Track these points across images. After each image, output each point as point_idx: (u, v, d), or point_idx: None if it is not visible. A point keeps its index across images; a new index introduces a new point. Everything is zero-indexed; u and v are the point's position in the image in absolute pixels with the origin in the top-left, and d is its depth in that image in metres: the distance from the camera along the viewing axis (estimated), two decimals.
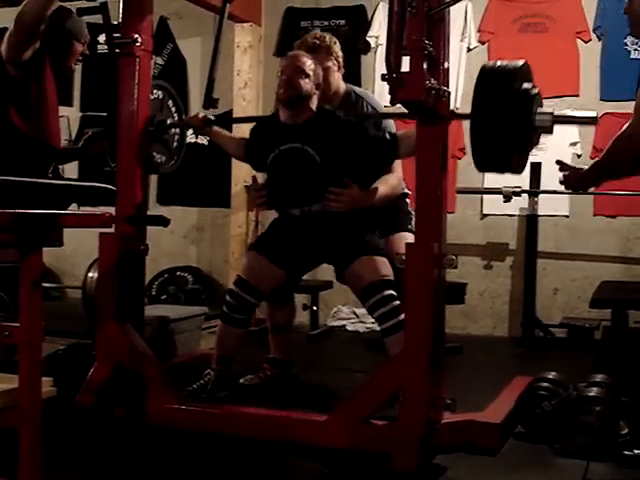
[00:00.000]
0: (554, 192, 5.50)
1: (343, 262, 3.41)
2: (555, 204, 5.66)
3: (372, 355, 4.70)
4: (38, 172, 3.45)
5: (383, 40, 5.50)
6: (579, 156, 5.70)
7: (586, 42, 5.70)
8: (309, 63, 3.44)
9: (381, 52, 5.92)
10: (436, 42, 2.79)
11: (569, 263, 5.76)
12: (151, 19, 3.61)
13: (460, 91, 5.79)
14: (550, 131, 2.93)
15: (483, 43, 5.94)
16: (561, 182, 3.16)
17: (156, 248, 5.84)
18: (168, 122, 3.72)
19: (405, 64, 2.68)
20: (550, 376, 3.30)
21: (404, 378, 2.82)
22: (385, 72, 2.66)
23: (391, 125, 3.73)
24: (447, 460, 2.91)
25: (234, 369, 3.58)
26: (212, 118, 3.69)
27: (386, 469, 2.73)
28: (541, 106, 2.91)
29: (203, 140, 6.63)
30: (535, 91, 2.86)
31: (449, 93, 2.93)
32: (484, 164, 2.92)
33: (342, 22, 6.28)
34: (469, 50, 5.93)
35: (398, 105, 2.76)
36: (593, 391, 3.06)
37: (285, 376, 3.84)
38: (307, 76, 3.41)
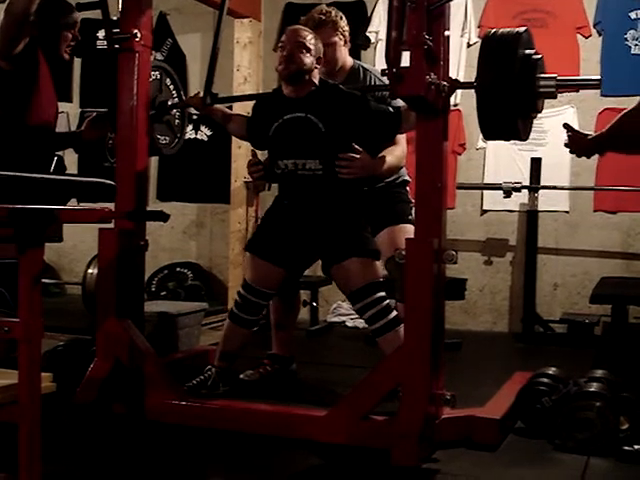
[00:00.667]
0: (554, 188, 5.51)
1: (333, 257, 3.39)
2: (555, 200, 5.66)
3: (372, 351, 4.70)
4: (40, 161, 3.44)
5: (383, 35, 5.50)
6: None
7: (586, 37, 5.69)
8: (310, 37, 3.43)
9: (381, 47, 5.91)
10: (436, 37, 2.79)
11: (569, 259, 5.76)
12: (150, 14, 3.61)
13: None
14: (554, 96, 2.94)
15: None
16: (565, 145, 3.14)
17: (156, 244, 5.87)
18: (169, 103, 3.72)
19: (405, 59, 2.68)
20: (550, 372, 3.30)
21: (404, 374, 2.82)
22: (385, 67, 2.66)
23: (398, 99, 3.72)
24: (447, 455, 2.91)
25: (234, 365, 3.58)
26: (214, 94, 3.66)
27: (386, 464, 2.73)
28: (544, 72, 2.92)
29: (203, 136, 6.64)
30: (537, 57, 2.87)
31: (449, 88, 2.93)
32: (490, 131, 2.93)
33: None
34: (469, 45, 5.92)
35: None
36: (593, 386, 3.06)
37: (285, 372, 3.83)
38: (308, 50, 3.39)
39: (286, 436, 3.01)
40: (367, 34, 6.13)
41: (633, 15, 5.51)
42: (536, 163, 5.45)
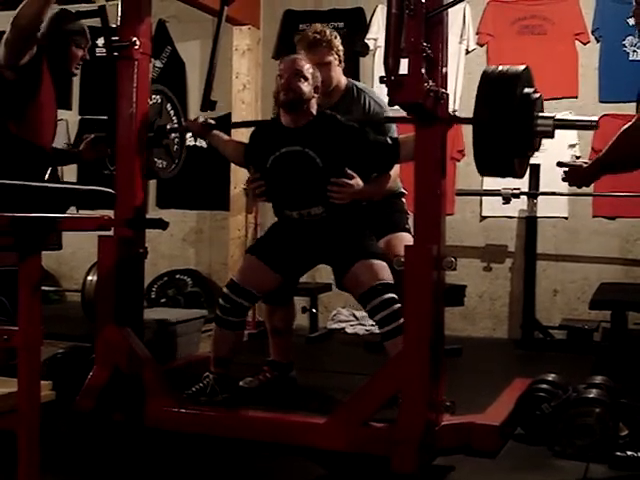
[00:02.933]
0: (553, 194, 5.50)
1: (342, 267, 3.41)
2: (554, 206, 5.66)
3: (371, 358, 4.70)
4: (32, 176, 3.45)
5: (382, 42, 5.48)
6: (578, 157, 5.68)
7: (585, 44, 5.70)
8: (307, 66, 3.44)
9: (380, 54, 5.91)
10: (434, 44, 2.79)
11: (568, 265, 5.76)
12: (150, 22, 3.61)
13: (459, 93, 5.79)
14: (551, 136, 2.95)
15: (482, 45, 5.94)
16: (563, 179, 3.16)
17: (155, 251, 5.87)
18: (168, 127, 3.72)
19: (404, 66, 2.68)
20: (549, 378, 3.30)
21: (403, 380, 2.82)
22: (384, 74, 2.66)
23: (392, 126, 3.73)
24: (447, 462, 2.91)
25: (234, 372, 3.58)
26: (212, 122, 3.68)
27: (386, 471, 2.73)
28: (542, 110, 2.92)
29: (202, 143, 6.62)
30: (536, 95, 2.87)
31: (448, 95, 2.93)
32: (486, 168, 2.94)
33: (341, 25, 6.27)
34: (468, 52, 5.93)
35: (396, 107, 2.76)
36: (593, 393, 3.06)
37: (284, 379, 3.83)
38: (306, 79, 3.40)
39: (285, 443, 3.01)
40: (366, 41, 6.14)
41: (631, 21, 5.50)
42: (535, 169, 5.45)
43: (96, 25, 3.55)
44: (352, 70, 6.16)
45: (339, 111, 3.60)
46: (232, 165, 6.24)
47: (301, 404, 3.53)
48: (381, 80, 2.69)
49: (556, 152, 5.64)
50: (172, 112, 3.81)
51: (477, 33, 5.93)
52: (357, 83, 3.94)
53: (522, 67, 2.89)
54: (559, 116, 3.00)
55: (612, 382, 3.25)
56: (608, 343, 4.94)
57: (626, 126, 2.88)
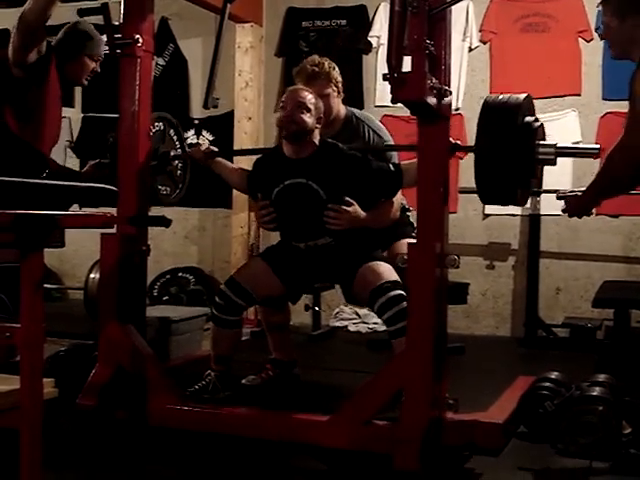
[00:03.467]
0: (556, 192, 5.49)
1: (348, 279, 3.41)
2: (557, 203, 5.59)
3: (374, 355, 4.71)
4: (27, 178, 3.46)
5: (384, 40, 5.48)
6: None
7: (588, 41, 5.69)
8: (310, 97, 3.44)
9: (383, 52, 5.91)
10: (437, 42, 2.78)
11: (571, 263, 5.76)
12: (152, 20, 3.60)
13: (462, 90, 5.77)
14: (553, 163, 2.97)
15: (485, 43, 5.93)
16: (563, 211, 3.20)
17: (158, 249, 5.86)
18: (171, 154, 3.74)
19: (406, 64, 2.67)
20: (553, 376, 3.30)
21: (406, 378, 2.81)
22: (387, 72, 2.65)
23: (394, 153, 3.77)
24: (450, 460, 2.91)
25: (236, 370, 3.58)
26: (214, 149, 3.70)
27: (389, 469, 2.72)
28: (544, 138, 2.94)
29: (204, 141, 6.63)
30: (537, 124, 2.88)
31: (451, 93, 2.93)
32: (488, 197, 2.95)
33: (343, 22, 6.28)
34: (471, 50, 5.93)
35: (399, 105, 2.75)
36: (596, 391, 3.06)
37: (287, 376, 3.83)
38: (308, 110, 3.40)
39: (288, 441, 3.01)
40: (369, 38, 6.14)
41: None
42: None
43: (99, 23, 3.54)
44: (355, 68, 6.18)
45: (340, 141, 3.62)
46: (235, 163, 6.26)
47: (304, 402, 3.53)
48: (384, 77, 2.67)
49: None
50: (175, 138, 3.83)
51: (480, 30, 5.93)
52: (356, 112, 3.97)
53: (523, 96, 2.90)
54: (560, 145, 3.02)
55: (615, 380, 3.24)
56: (611, 341, 4.93)
57: (610, 149, 2.90)
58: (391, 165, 3.49)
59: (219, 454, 3.05)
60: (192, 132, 6.67)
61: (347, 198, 3.37)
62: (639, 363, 4.19)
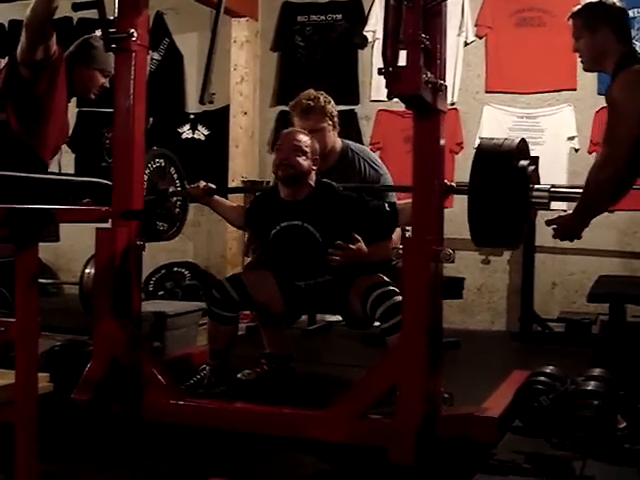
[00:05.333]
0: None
1: (346, 305, 3.46)
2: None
3: (369, 350, 4.70)
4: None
5: (380, 34, 5.49)
6: (577, 150, 5.69)
7: None
8: (305, 140, 3.47)
9: (378, 46, 5.90)
10: (433, 36, 2.78)
11: (567, 257, 5.76)
12: (147, 14, 3.60)
13: (457, 85, 5.77)
14: (547, 208, 2.98)
15: (480, 37, 5.93)
16: (554, 236, 3.22)
17: (153, 244, 5.85)
18: (170, 190, 3.76)
19: (402, 58, 2.67)
20: (548, 370, 3.30)
21: (401, 372, 2.82)
22: (382, 66, 2.65)
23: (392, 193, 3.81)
24: (445, 454, 2.91)
25: (232, 364, 3.58)
26: (212, 187, 3.72)
27: (384, 463, 2.73)
28: (538, 182, 2.95)
29: (200, 135, 6.63)
30: (532, 168, 2.90)
31: (446, 87, 2.93)
32: (481, 239, 2.96)
33: (339, 17, 6.27)
34: (466, 44, 5.92)
35: (395, 100, 2.75)
36: (591, 385, 3.06)
37: (282, 371, 3.83)
38: (304, 153, 3.43)
39: (283, 435, 3.01)
40: (364, 33, 6.14)
41: (631, 13, 5.50)
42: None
43: (93, 17, 3.54)
44: (351, 63, 6.18)
45: (335, 175, 3.66)
46: (230, 157, 6.27)
47: (299, 396, 3.53)
48: (379, 72, 2.67)
49: (555, 145, 5.67)
50: (175, 175, 3.86)
51: (476, 25, 5.93)
52: (352, 145, 3.98)
53: (517, 140, 2.91)
54: (552, 188, 3.04)
55: (610, 374, 3.24)
56: (606, 336, 4.94)
57: (591, 170, 2.93)
58: (387, 205, 3.51)
59: (214, 449, 3.05)
60: (188, 127, 6.66)
61: (356, 235, 3.40)
62: (634, 357, 4.20)
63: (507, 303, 5.92)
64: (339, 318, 5.97)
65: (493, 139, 2.98)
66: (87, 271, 4.23)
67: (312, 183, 3.48)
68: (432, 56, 2.79)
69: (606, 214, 5.62)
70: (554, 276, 5.79)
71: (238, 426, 3.08)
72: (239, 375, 3.71)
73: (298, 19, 6.37)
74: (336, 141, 3.89)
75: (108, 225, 3.28)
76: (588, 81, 5.67)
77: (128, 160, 3.45)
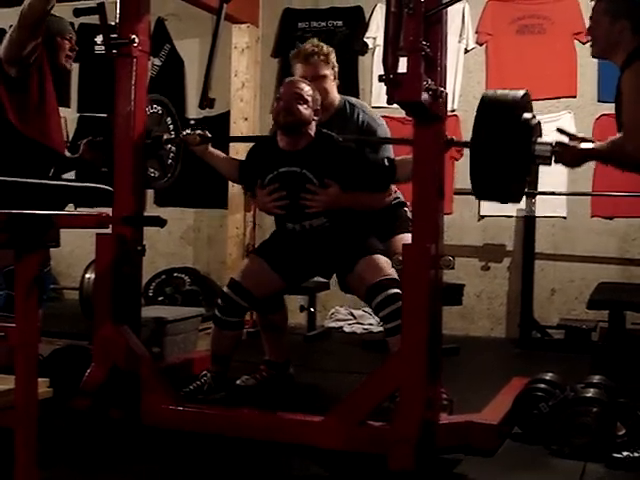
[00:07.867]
0: (552, 193, 5.51)
1: (345, 267, 3.41)
2: (552, 205, 5.66)
3: (369, 356, 4.71)
4: (36, 175, 3.45)
5: (381, 41, 5.49)
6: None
7: (584, 43, 5.67)
8: (307, 89, 3.44)
9: (379, 53, 5.91)
10: (433, 43, 2.79)
11: (566, 264, 5.76)
12: (148, 20, 3.61)
13: (458, 92, 5.78)
14: (549, 163, 2.95)
15: (481, 44, 5.94)
16: (556, 161, 3.13)
17: (153, 249, 5.86)
18: (164, 137, 3.73)
19: (402, 65, 2.68)
20: (547, 377, 3.30)
21: (401, 379, 2.82)
22: (382, 73, 2.66)
23: (388, 147, 3.76)
24: (444, 461, 2.91)
25: (231, 370, 3.58)
26: (208, 135, 3.67)
27: (384, 470, 2.72)
28: (541, 136, 2.93)
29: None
30: (535, 121, 2.87)
31: (446, 94, 2.93)
32: (483, 193, 2.94)
33: (339, 23, 6.28)
34: (467, 51, 5.93)
35: (395, 106, 2.76)
36: (590, 392, 3.06)
37: (281, 377, 3.83)
38: (305, 102, 3.40)
39: (283, 441, 3.01)
40: (365, 39, 6.15)
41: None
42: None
43: (95, 23, 3.54)
44: (351, 69, 6.18)
45: (333, 127, 3.63)
46: None
47: (298, 403, 3.53)
48: (380, 79, 2.68)
49: None
50: (171, 126, 3.83)
51: (476, 32, 5.93)
52: (350, 98, 3.96)
53: (521, 92, 2.88)
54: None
55: (610, 382, 3.25)
56: (606, 343, 4.93)
57: (617, 138, 2.89)
58: (386, 159, 3.48)
59: (213, 455, 3.05)
60: (188, 131, 6.64)
61: (327, 181, 3.37)
62: (634, 365, 4.20)
63: (507, 310, 5.92)
64: (339, 324, 6.02)
65: (497, 91, 2.94)
66: (87, 276, 4.24)
67: (312, 133, 3.45)
68: (432, 63, 2.80)
69: (605, 221, 5.67)
70: (554, 283, 5.79)
71: (237, 432, 3.08)
72: (238, 382, 3.71)
73: (299, 25, 6.38)
74: (335, 94, 3.85)
75: (108, 231, 3.28)
76: (588, 88, 5.68)
77: (129, 166, 3.46)
